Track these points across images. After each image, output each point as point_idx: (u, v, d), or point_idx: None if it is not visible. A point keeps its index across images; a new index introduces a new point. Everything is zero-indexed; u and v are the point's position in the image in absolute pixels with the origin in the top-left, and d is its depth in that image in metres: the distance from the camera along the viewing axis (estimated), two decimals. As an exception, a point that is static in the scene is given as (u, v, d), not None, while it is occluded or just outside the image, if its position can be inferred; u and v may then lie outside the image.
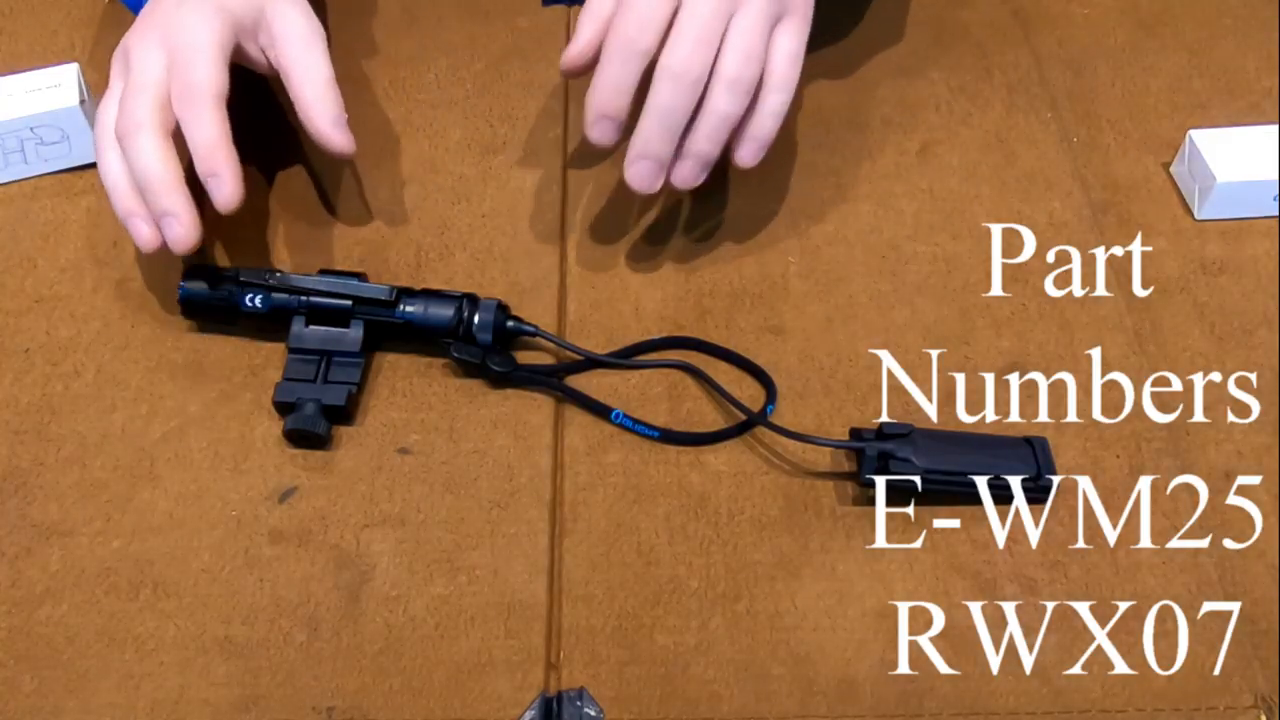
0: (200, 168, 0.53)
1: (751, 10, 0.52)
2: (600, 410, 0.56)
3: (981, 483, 0.52)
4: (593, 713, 0.47)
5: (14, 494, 0.53)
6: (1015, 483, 0.52)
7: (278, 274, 0.56)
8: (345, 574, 0.51)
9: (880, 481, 0.52)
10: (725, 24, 0.52)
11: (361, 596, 0.50)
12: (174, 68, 0.54)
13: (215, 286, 0.57)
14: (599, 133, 0.55)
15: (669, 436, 0.55)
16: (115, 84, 0.57)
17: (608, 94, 0.53)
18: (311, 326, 0.56)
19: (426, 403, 0.57)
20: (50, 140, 0.64)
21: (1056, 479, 0.53)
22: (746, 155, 0.56)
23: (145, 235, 0.54)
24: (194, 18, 0.55)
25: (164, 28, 0.56)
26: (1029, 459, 0.53)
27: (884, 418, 0.56)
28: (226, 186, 0.53)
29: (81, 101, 0.63)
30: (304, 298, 0.56)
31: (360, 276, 0.57)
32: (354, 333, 0.56)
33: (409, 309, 0.56)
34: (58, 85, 0.64)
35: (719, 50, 0.52)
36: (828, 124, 0.69)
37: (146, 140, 0.52)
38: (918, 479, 0.52)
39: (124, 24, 0.74)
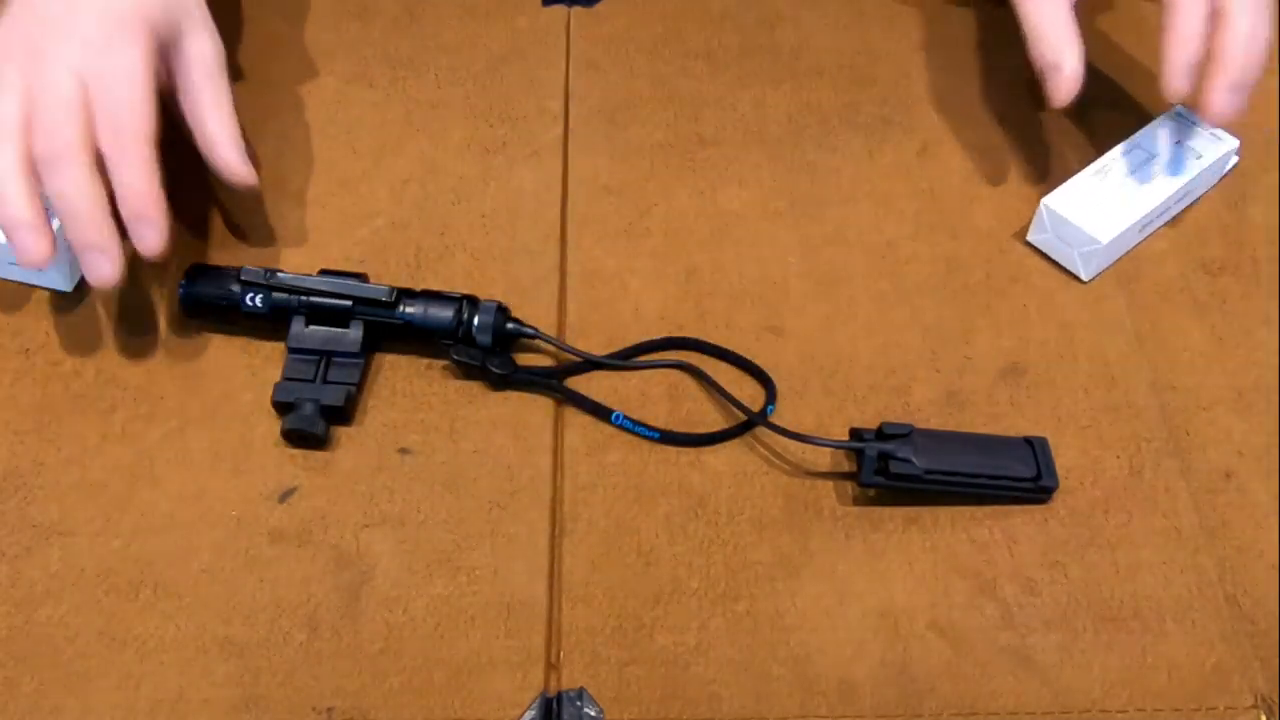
0: (128, 211, 0.49)
1: None
2: (600, 412, 0.56)
3: (982, 483, 0.52)
4: (593, 713, 0.47)
5: (14, 494, 0.53)
6: (1015, 483, 0.52)
7: (278, 274, 0.56)
8: (345, 574, 0.51)
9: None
10: None
11: (361, 596, 0.50)
12: (101, 96, 0.49)
13: (216, 286, 0.57)
14: (1181, 86, 0.57)
15: (669, 437, 0.55)
16: (9, 79, 0.49)
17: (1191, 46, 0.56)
18: (311, 326, 0.56)
19: (426, 403, 0.57)
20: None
21: (1056, 479, 0.53)
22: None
23: (36, 255, 0.49)
24: (120, 36, 0.49)
25: (81, 39, 0.49)
26: (1029, 459, 0.53)
27: (884, 418, 0.56)
28: (154, 233, 0.50)
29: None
30: (304, 297, 0.56)
31: (360, 277, 0.57)
32: (354, 333, 0.56)
33: (409, 310, 0.56)
34: None
35: None
36: (828, 124, 0.69)
37: (77, 172, 0.48)
38: (918, 480, 0.52)
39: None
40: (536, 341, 0.58)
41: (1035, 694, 0.48)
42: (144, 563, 0.51)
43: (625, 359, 0.58)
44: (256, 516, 0.53)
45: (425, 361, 0.58)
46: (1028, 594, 0.51)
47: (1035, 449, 0.53)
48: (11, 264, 0.60)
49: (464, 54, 0.72)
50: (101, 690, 0.48)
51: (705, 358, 0.59)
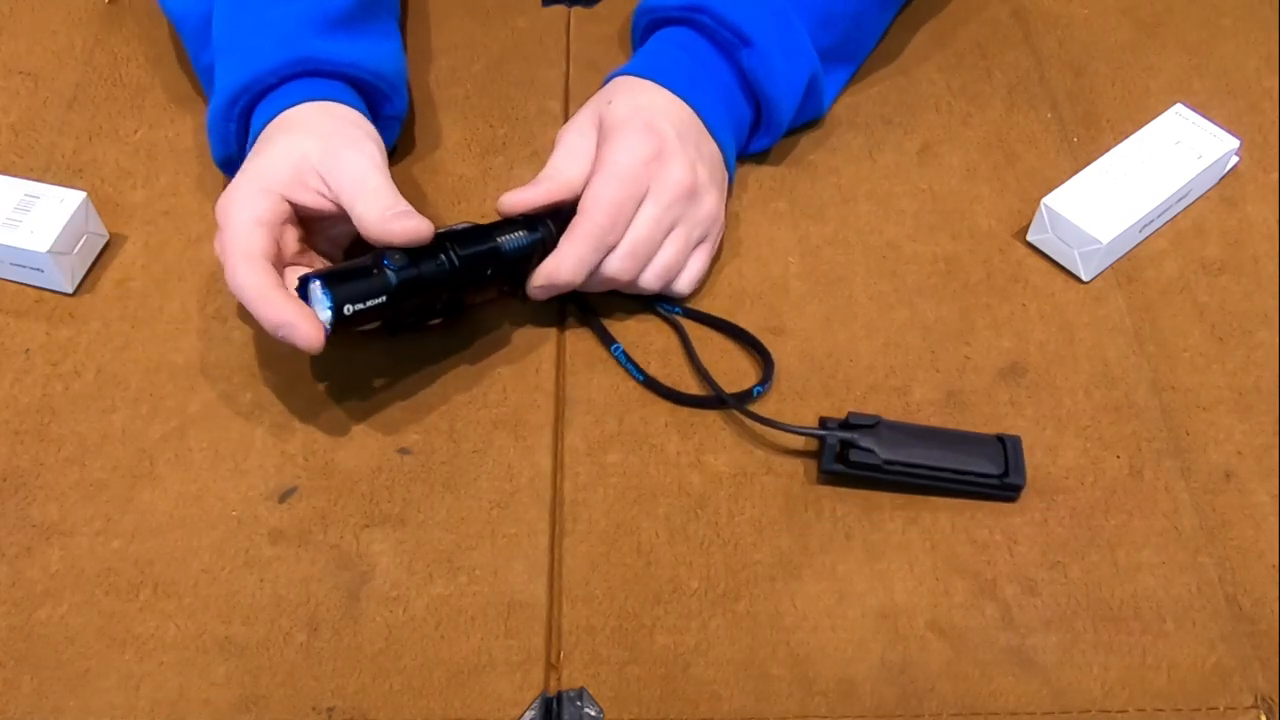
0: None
1: (680, 235, 0.58)
2: (605, 338, 0.58)
3: (945, 476, 0.52)
4: (593, 713, 0.47)
5: (14, 494, 0.53)
6: (980, 479, 0.53)
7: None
8: (345, 574, 0.51)
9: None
10: (661, 240, 0.57)
11: (361, 596, 0.50)
12: (219, 231, 0.53)
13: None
14: (544, 295, 0.57)
15: (653, 385, 0.56)
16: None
17: (572, 272, 0.55)
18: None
19: (426, 403, 0.57)
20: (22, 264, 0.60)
21: (1024, 477, 0.53)
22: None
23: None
24: (239, 195, 0.54)
25: (222, 198, 0.54)
26: (998, 457, 0.53)
27: (880, 416, 0.56)
28: (296, 333, 0.50)
29: (53, 251, 0.59)
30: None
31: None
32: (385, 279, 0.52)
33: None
34: (62, 201, 0.60)
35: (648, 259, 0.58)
36: (828, 124, 0.69)
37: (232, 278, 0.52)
38: (878, 469, 0.52)
39: (125, 26, 0.74)
40: None
41: (1035, 694, 0.48)
42: (144, 563, 0.51)
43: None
44: (256, 516, 0.53)
45: (426, 360, 0.58)
46: (1028, 594, 0.51)
47: (1006, 447, 0.53)
48: (12, 264, 0.60)
49: (464, 54, 0.72)
50: (101, 690, 0.48)
51: (711, 332, 0.59)
